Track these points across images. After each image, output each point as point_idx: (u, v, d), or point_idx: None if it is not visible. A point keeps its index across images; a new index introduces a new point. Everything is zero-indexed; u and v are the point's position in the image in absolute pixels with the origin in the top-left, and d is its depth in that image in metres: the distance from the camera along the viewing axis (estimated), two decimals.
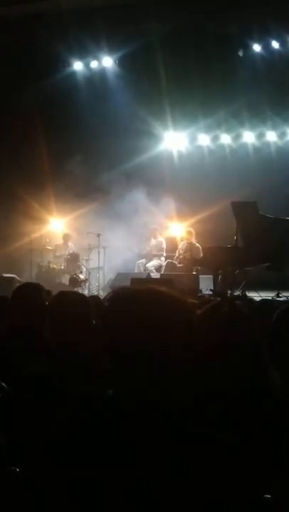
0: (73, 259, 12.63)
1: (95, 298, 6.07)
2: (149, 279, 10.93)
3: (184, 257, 11.75)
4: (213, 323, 1.68)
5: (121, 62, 13.76)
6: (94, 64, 14.01)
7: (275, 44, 12.87)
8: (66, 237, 13.16)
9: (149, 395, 1.55)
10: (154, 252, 12.57)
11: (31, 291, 3.30)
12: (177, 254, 12.06)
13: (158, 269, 12.29)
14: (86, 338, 2.49)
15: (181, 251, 11.95)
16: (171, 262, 12.12)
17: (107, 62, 13.88)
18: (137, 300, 1.58)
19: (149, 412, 1.54)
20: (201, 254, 11.24)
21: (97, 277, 12.66)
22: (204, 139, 14.03)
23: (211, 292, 9.62)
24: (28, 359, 2.76)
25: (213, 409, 1.63)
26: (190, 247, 11.71)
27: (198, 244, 11.69)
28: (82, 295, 3.46)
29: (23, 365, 2.67)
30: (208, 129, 13.85)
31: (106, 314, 1.64)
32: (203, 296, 10.22)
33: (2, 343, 3.39)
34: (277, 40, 12.82)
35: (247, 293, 10.33)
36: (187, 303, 1.62)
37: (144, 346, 1.54)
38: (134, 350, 1.55)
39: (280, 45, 12.86)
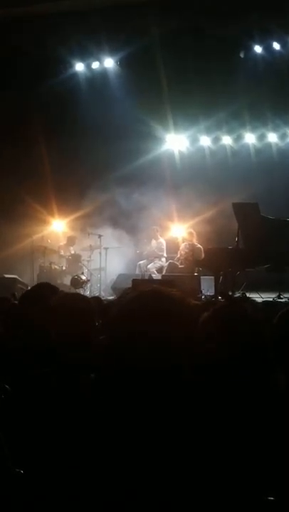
0: (75, 260, 12.64)
1: (97, 299, 6.09)
2: (150, 280, 10.95)
3: (186, 258, 11.75)
4: (220, 325, 1.68)
5: (122, 63, 13.75)
6: (95, 65, 14.01)
7: (276, 45, 12.85)
8: (71, 240, 13.12)
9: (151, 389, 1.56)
10: (155, 253, 12.57)
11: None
12: (179, 255, 12.06)
13: (159, 270, 12.30)
14: (89, 338, 2.50)
15: (182, 252, 11.95)
16: (173, 263, 12.12)
17: (109, 63, 13.88)
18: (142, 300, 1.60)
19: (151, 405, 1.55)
20: (203, 256, 11.23)
21: (99, 278, 12.67)
22: (205, 141, 14.03)
23: (220, 295, 9.63)
24: (31, 360, 2.76)
25: (218, 408, 1.64)
26: (192, 248, 11.71)
27: (199, 246, 11.69)
28: (84, 296, 3.46)
29: (25, 366, 2.68)
30: (209, 131, 13.84)
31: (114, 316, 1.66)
32: (204, 297, 10.30)
33: (3, 343, 3.40)
34: (278, 41, 12.80)
35: (248, 294, 10.32)
36: (190, 303, 1.63)
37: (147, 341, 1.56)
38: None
39: (281, 46, 12.83)
